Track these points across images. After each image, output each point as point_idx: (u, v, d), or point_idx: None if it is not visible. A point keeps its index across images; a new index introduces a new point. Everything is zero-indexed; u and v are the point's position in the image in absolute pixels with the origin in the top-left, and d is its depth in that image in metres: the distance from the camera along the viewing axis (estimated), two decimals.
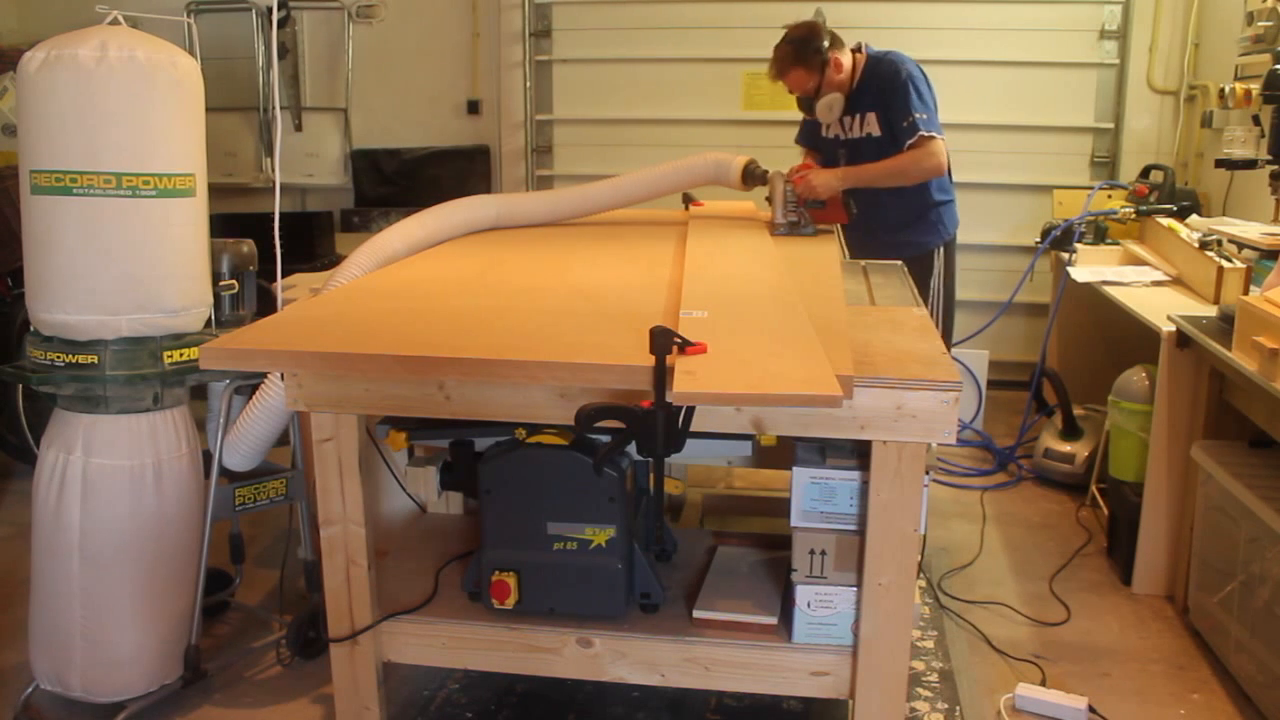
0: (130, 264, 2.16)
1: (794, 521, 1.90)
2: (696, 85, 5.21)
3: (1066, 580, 3.06)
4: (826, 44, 3.06)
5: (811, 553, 1.90)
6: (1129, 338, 3.43)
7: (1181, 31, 4.82)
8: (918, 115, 3.00)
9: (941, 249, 3.25)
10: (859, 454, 1.86)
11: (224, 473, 2.40)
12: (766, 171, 3.06)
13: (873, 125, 3.15)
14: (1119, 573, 3.08)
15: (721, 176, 3.12)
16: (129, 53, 2.10)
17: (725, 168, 3.10)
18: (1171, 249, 3.65)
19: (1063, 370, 4.04)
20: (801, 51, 3.06)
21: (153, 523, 2.25)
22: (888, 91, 3.07)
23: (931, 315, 3.06)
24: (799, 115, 3.44)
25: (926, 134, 2.99)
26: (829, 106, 3.14)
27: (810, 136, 3.43)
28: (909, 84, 3.03)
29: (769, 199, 3.06)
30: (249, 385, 2.39)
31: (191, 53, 2.28)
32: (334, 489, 1.94)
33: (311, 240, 5.03)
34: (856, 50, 3.19)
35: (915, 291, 2.54)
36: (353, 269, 2.41)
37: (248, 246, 2.55)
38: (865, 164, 3.07)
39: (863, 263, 2.89)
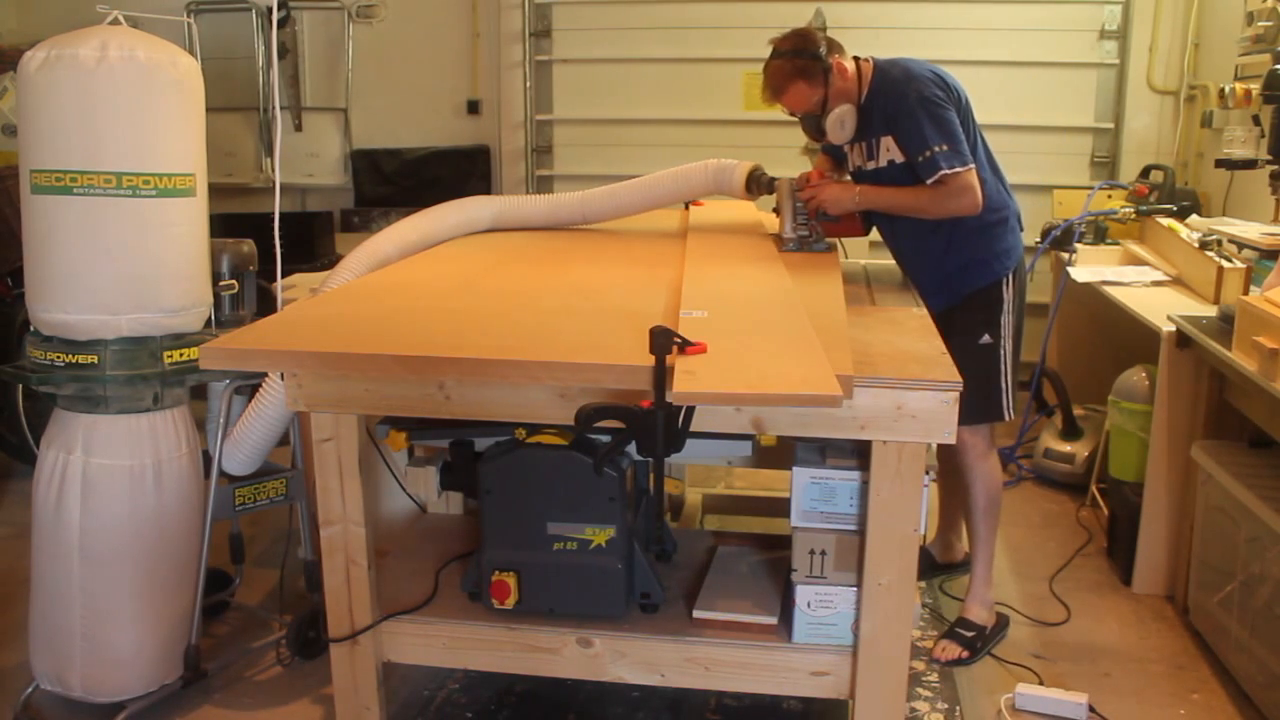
0: (130, 264, 2.16)
1: (794, 521, 1.90)
2: (696, 85, 5.20)
3: (1066, 580, 3.06)
4: (824, 49, 2.50)
5: (811, 553, 1.90)
6: (1129, 338, 3.43)
7: (1181, 31, 4.81)
8: (936, 148, 2.41)
9: (1010, 277, 2.60)
10: (859, 454, 1.86)
11: (224, 473, 2.40)
12: (773, 179, 2.78)
13: (894, 150, 2.55)
14: (1119, 573, 3.08)
15: (724, 185, 2.86)
16: (129, 52, 2.10)
17: (728, 176, 2.84)
18: (1171, 249, 3.64)
19: (1063, 370, 4.04)
20: (799, 62, 2.49)
21: (153, 523, 2.25)
22: (898, 116, 2.49)
23: (1002, 356, 2.56)
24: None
25: (949, 170, 2.41)
26: (840, 122, 2.54)
27: (834, 150, 2.81)
28: (920, 108, 2.43)
29: (776, 210, 2.79)
30: (249, 385, 2.39)
31: (191, 53, 2.29)
32: (334, 489, 1.94)
33: (311, 240, 5.03)
34: (864, 60, 2.60)
35: (916, 296, 2.50)
36: (345, 273, 2.41)
37: (248, 246, 2.55)
38: (886, 186, 2.57)
39: (863, 263, 2.87)
